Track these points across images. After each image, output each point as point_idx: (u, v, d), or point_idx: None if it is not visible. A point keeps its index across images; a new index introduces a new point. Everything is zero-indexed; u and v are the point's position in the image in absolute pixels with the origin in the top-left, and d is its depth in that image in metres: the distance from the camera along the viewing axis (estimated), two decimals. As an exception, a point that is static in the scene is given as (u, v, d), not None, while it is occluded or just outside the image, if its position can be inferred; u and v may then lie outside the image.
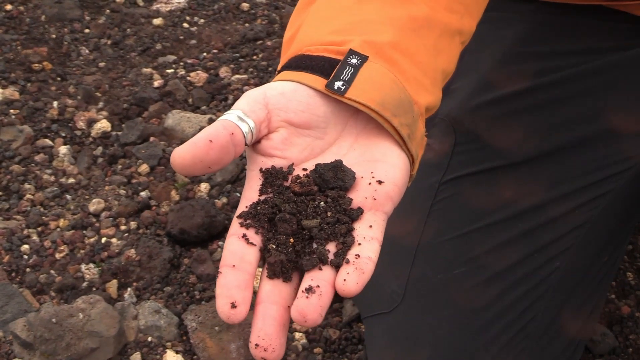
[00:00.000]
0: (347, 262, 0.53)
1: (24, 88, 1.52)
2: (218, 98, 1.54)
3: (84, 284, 1.17)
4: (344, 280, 0.52)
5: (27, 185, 1.32)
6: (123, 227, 1.26)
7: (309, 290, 0.51)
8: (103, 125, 1.43)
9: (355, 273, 0.52)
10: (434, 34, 0.65)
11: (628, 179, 0.93)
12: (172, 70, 1.60)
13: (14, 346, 1.05)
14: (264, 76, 1.61)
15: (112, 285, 1.16)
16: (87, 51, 1.64)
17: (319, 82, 0.59)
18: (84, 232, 1.25)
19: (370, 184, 0.58)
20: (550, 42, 0.97)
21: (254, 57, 1.66)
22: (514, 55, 0.98)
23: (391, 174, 0.59)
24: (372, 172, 0.59)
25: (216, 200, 1.31)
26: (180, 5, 1.79)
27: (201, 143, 0.53)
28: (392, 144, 0.60)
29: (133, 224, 1.26)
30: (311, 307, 0.50)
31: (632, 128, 0.93)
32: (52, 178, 1.34)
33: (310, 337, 1.12)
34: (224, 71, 1.60)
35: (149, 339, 1.10)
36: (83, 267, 1.19)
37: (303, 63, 0.61)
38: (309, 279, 0.52)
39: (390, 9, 0.64)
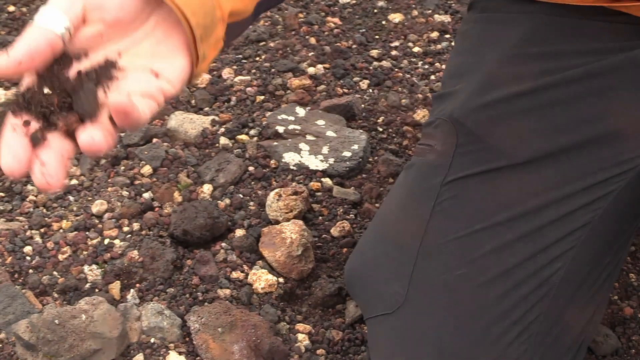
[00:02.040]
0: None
1: (26, 90, 1.52)
2: (221, 99, 1.54)
3: (87, 285, 1.17)
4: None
5: (29, 187, 1.33)
6: (126, 229, 1.26)
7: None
8: (106, 126, 1.43)
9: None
10: None
11: (631, 180, 0.93)
12: (175, 71, 1.59)
13: (16, 347, 1.05)
14: (266, 77, 1.61)
15: (115, 287, 1.16)
16: (89, 53, 1.64)
17: None
18: (87, 233, 1.25)
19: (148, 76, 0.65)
20: (552, 43, 0.97)
21: (257, 59, 1.67)
22: (517, 56, 0.98)
23: (169, 72, 0.66)
24: (153, 66, 0.66)
25: (219, 201, 1.31)
26: (182, 6, 1.79)
27: (25, 59, 0.64)
28: (182, 42, 0.66)
29: (136, 226, 1.26)
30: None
31: (635, 129, 0.93)
32: (55, 179, 1.34)
33: (313, 338, 1.12)
34: (226, 72, 1.61)
35: (152, 340, 1.10)
36: (86, 268, 1.19)
37: None
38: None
39: None
